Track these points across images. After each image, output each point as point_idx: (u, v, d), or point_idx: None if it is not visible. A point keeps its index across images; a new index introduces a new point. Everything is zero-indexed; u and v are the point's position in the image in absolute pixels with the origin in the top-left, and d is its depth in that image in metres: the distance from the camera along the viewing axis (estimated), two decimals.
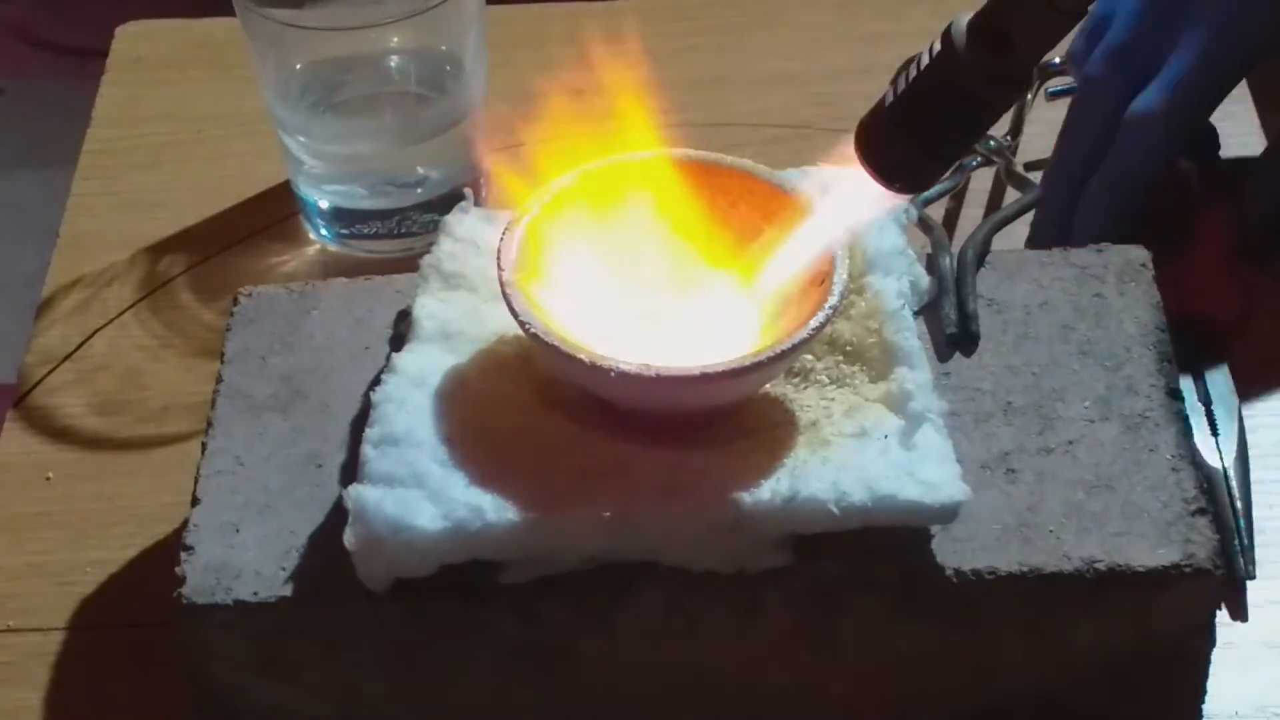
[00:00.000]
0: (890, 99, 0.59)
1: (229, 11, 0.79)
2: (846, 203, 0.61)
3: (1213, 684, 0.63)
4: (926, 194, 0.72)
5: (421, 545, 0.58)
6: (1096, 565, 0.60)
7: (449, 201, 0.71)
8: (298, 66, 0.80)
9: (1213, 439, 0.70)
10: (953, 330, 0.67)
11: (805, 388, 0.63)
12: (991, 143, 0.78)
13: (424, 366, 0.63)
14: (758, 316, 0.63)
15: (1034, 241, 0.76)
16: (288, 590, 0.61)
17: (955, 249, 0.70)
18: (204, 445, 0.65)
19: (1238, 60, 0.76)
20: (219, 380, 0.67)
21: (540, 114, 0.89)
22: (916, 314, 0.66)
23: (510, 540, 0.59)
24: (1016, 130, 0.82)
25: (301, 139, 0.80)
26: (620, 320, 0.63)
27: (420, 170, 0.82)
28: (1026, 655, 0.62)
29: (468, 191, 0.70)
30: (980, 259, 0.69)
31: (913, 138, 0.58)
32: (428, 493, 0.59)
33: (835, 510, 0.58)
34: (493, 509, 0.59)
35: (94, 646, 0.69)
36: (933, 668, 0.62)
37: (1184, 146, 0.76)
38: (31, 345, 0.80)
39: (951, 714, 0.63)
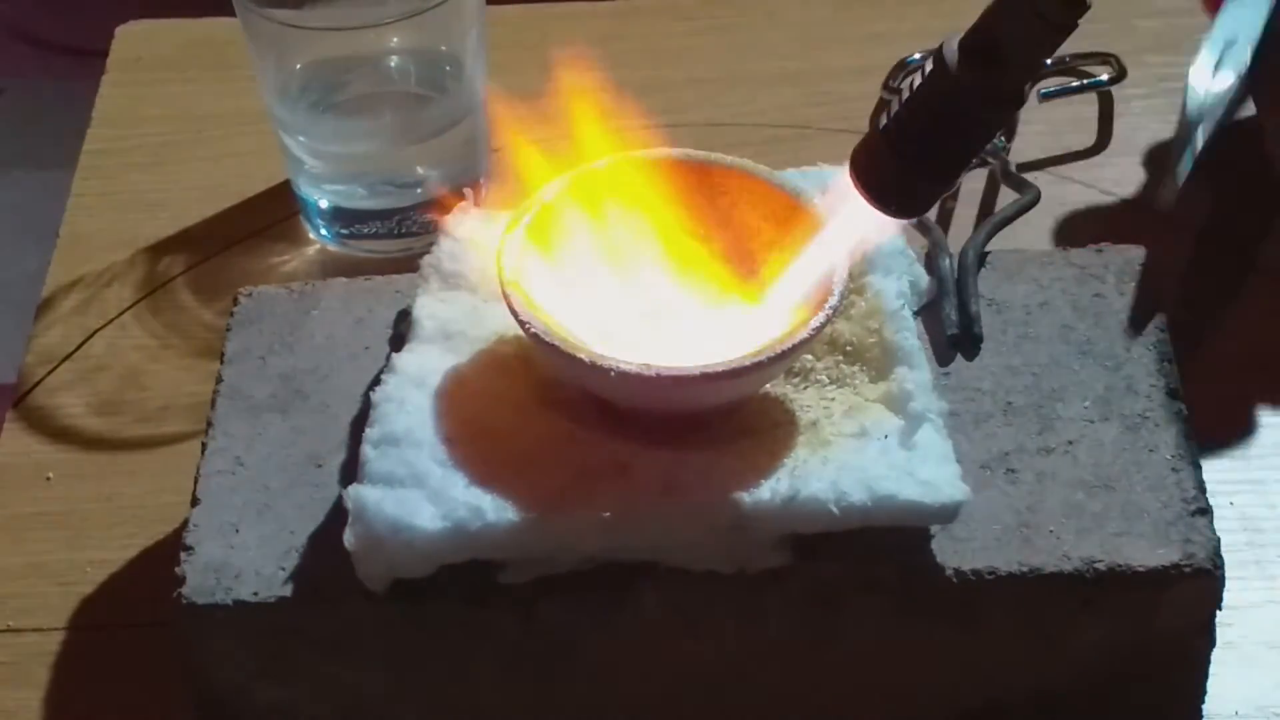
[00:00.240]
0: (884, 123, 0.58)
1: (229, 11, 0.79)
2: (846, 228, 0.61)
3: (1213, 684, 0.63)
4: None
5: (421, 545, 0.58)
6: (1096, 565, 0.60)
7: (449, 201, 0.71)
8: (298, 66, 0.80)
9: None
10: (954, 331, 0.67)
11: (805, 388, 0.63)
12: (987, 144, 0.79)
13: (424, 366, 0.63)
14: (758, 316, 0.63)
15: None
16: (288, 590, 0.61)
17: (954, 249, 0.70)
18: (204, 445, 0.65)
19: None
20: (219, 380, 0.67)
21: (540, 114, 0.89)
22: (916, 314, 0.66)
23: (510, 540, 0.59)
24: (1011, 132, 0.82)
25: (301, 139, 0.80)
26: (621, 320, 0.63)
27: (420, 170, 0.82)
28: (1026, 655, 0.62)
29: (468, 191, 0.70)
30: (980, 260, 0.69)
31: (909, 161, 0.58)
32: (427, 493, 0.59)
33: (835, 510, 0.58)
34: (493, 509, 0.59)
35: (94, 646, 0.69)
36: (933, 668, 0.62)
37: None
38: (31, 345, 0.80)
39: (951, 714, 0.63)
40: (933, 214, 0.71)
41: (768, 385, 0.62)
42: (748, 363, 0.59)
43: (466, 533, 0.58)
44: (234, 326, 0.69)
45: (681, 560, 0.60)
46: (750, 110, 0.88)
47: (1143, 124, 0.86)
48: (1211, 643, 0.62)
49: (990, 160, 0.80)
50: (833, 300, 0.60)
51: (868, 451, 0.60)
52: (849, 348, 0.63)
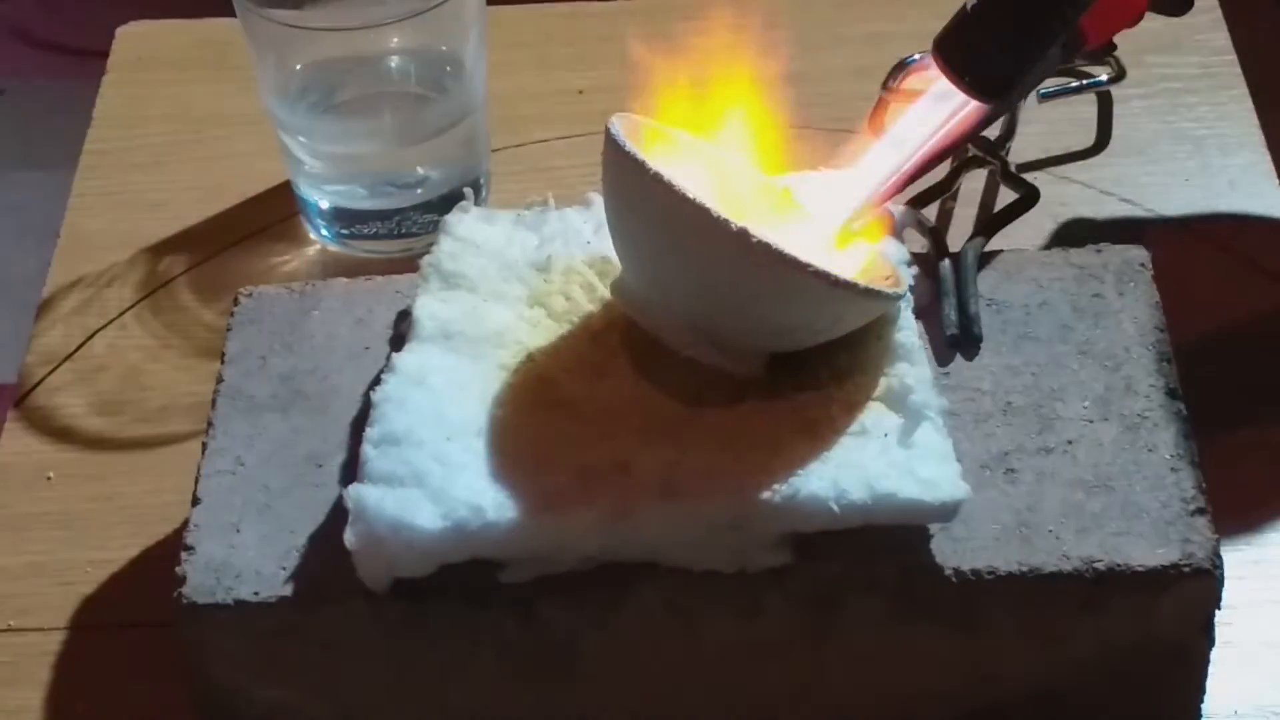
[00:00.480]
0: (971, 3, 0.62)
1: (229, 11, 0.79)
2: (930, 113, 0.64)
3: (1213, 684, 0.63)
4: (922, 192, 0.72)
5: (421, 545, 0.58)
6: (1096, 565, 0.60)
7: (449, 201, 0.71)
8: (298, 66, 0.80)
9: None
10: (953, 331, 0.67)
11: (805, 386, 0.63)
12: (986, 144, 0.78)
13: (424, 366, 0.63)
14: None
15: None
16: (288, 590, 0.61)
17: (954, 249, 0.70)
18: (204, 445, 0.65)
19: None
20: (219, 380, 0.67)
21: (540, 114, 0.89)
22: (916, 315, 0.66)
23: (510, 540, 0.59)
24: (1010, 132, 0.82)
25: (301, 139, 0.80)
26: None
27: (420, 170, 0.82)
28: (1026, 655, 0.62)
29: (468, 191, 0.70)
30: (980, 260, 0.69)
31: (995, 34, 0.61)
32: (428, 492, 0.59)
33: (835, 508, 0.58)
34: (492, 508, 0.59)
35: (94, 646, 0.69)
36: (933, 667, 0.62)
37: None
38: (31, 345, 0.80)
39: (951, 714, 0.63)
40: (932, 214, 0.72)
41: (768, 386, 0.62)
42: (876, 287, 0.61)
43: (466, 532, 0.58)
44: (234, 326, 0.69)
45: (681, 560, 0.60)
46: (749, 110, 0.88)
47: (1143, 124, 0.86)
48: (1211, 642, 0.62)
49: (990, 160, 0.80)
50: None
51: (868, 450, 0.60)
52: (850, 346, 0.63)
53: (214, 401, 0.67)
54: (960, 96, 0.64)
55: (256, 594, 0.61)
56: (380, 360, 0.67)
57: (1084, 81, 0.86)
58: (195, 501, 0.63)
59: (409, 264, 0.70)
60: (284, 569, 0.61)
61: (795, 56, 0.92)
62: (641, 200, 0.60)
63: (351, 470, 0.61)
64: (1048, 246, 0.71)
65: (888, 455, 0.60)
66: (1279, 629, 0.67)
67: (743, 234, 0.58)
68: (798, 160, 0.68)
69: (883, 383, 0.62)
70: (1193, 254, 0.80)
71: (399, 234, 0.82)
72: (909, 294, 0.65)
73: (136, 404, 0.78)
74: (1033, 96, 0.83)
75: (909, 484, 0.59)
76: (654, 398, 0.62)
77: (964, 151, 0.73)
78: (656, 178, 0.59)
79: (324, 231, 0.83)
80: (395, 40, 0.80)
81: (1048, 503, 0.61)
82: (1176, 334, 0.67)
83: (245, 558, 0.61)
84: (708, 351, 0.62)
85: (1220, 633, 0.62)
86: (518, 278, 0.66)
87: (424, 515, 0.58)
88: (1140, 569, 0.60)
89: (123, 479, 0.74)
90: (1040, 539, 0.60)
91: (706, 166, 0.65)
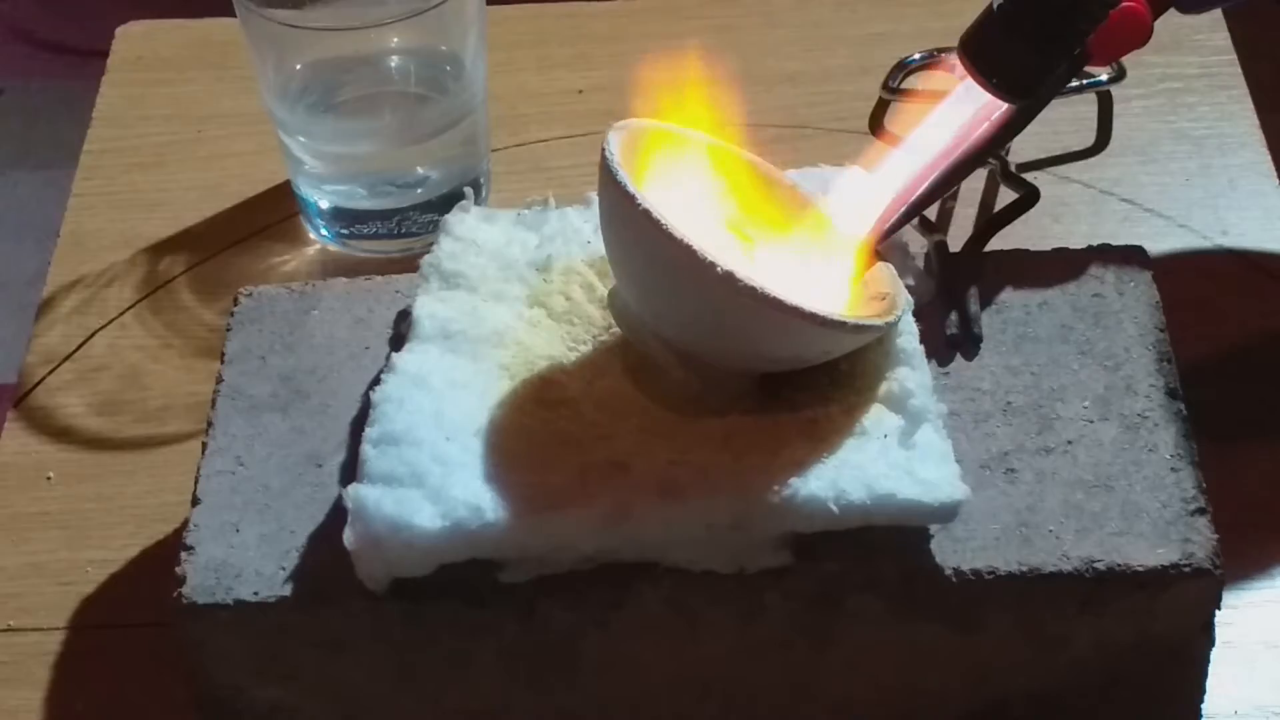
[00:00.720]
0: (998, 2, 0.62)
1: (229, 11, 0.79)
2: (956, 111, 0.63)
3: (1213, 684, 0.63)
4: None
5: (421, 545, 0.58)
6: (1096, 565, 0.60)
7: (449, 201, 0.71)
8: (298, 66, 0.80)
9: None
10: (953, 331, 0.67)
11: (805, 387, 0.63)
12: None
13: (424, 366, 0.63)
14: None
15: None
16: (288, 590, 0.61)
17: (954, 249, 0.70)
18: (204, 445, 0.65)
19: None
20: (219, 380, 0.67)
21: (540, 114, 0.89)
22: (916, 315, 0.66)
23: (509, 539, 0.59)
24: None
25: (301, 139, 0.80)
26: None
27: (420, 170, 0.82)
28: (1026, 655, 0.62)
29: (468, 191, 0.70)
30: (980, 260, 0.69)
31: (1020, 33, 0.61)
32: (427, 492, 0.59)
33: (834, 509, 0.58)
34: (492, 508, 0.59)
35: (94, 646, 0.69)
36: (933, 667, 0.62)
37: None
38: (31, 345, 0.81)
39: (951, 713, 0.63)
40: (932, 214, 0.72)
41: (768, 385, 0.62)
42: (862, 321, 0.60)
43: (466, 532, 0.58)
44: (234, 326, 0.69)
45: (681, 560, 0.60)
46: (750, 110, 0.88)
47: (1143, 124, 0.86)
48: (1211, 642, 0.62)
49: (990, 160, 0.80)
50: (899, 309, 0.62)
51: (867, 450, 0.60)
52: (849, 352, 0.63)
53: (214, 401, 0.67)
54: (986, 98, 0.63)
55: (256, 594, 0.61)
56: (380, 360, 0.67)
57: (1084, 81, 0.86)
58: (195, 501, 0.63)
59: (409, 264, 0.70)
60: (284, 569, 0.61)
61: (795, 56, 0.92)
62: (631, 231, 0.60)
63: (351, 470, 0.61)
64: (1048, 246, 0.71)
65: (887, 456, 0.60)
66: (1279, 629, 0.67)
67: (729, 277, 0.58)
68: (798, 160, 0.68)
69: (883, 387, 0.62)
70: (1193, 254, 0.80)
71: (399, 234, 0.82)
72: (909, 295, 0.65)
73: (136, 404, 0.78)
74: None
75: (908, 485, 0.59)
76: (653, 398, 0.62)
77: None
78: (645, 214, 0.59)
79: (324, 231, 0.83)
80: (395, 40, 0.80)
81: (1048, 503, 0.61)
82: (1176, 334, 0.67)
83: (245, 558, 0.61)
84: (696, 378, 0.62)
85: (1220, 633, 0.62)
86: (517, 277, 0.66)
87: (423, 515, 0.58)
88: (1140, 569, 0.60)
89: (123, 479, 0.75)
90: (1040, 539, 0.60)
91: (714, 168, 0.64)
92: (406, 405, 0.61)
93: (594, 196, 0.68)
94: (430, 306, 0.65)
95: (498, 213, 0.69)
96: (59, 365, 0.79)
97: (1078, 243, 0.71)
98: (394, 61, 0.82)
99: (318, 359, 0.68)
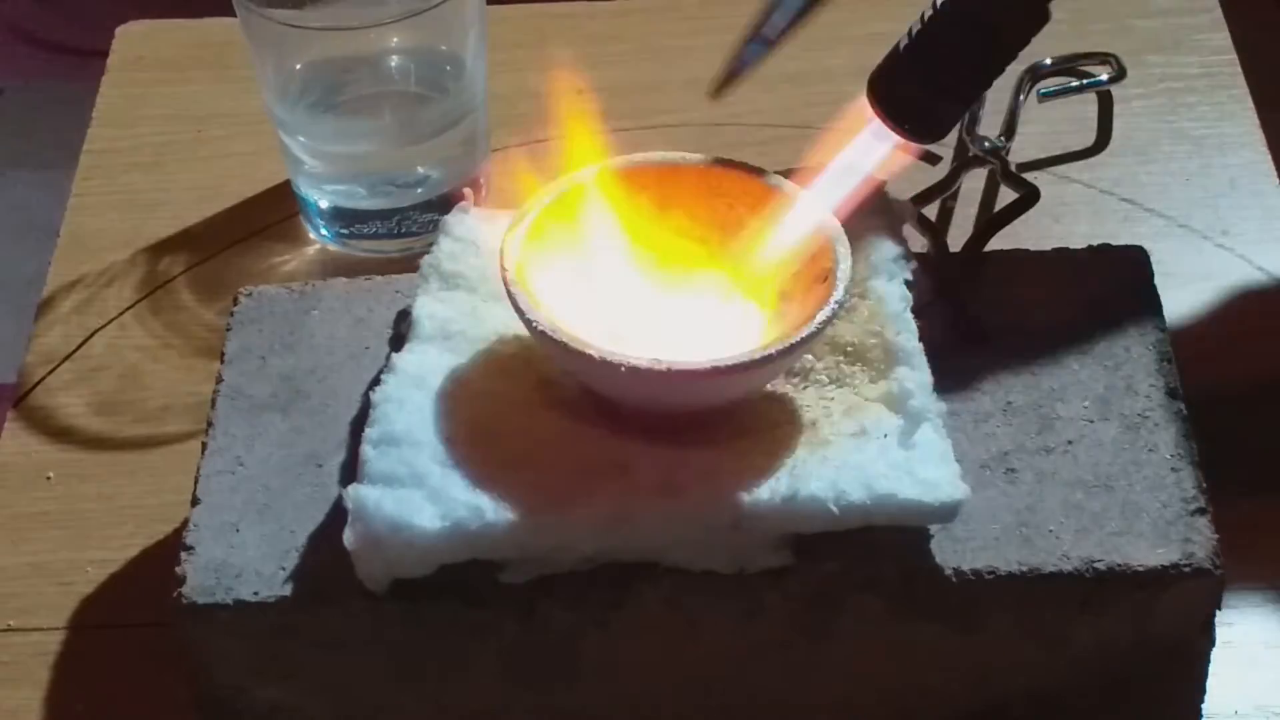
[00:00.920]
0: (904, 43, 0.59)
1: (229, 11, 0.79)
2: (862, 154, 0.62)
3: (1213, 684, 0.63)
4: (922, 191, 0.72)
5: (421, 545, 0.58)
6: (1096, 565, 0.60)
7: (449, 201, 0.71)
8: (298, 66, 0.80)
9: None
10: (953, 331, 0.67)
11: (805, 388, 0.63)
12: (986, 144, 0.79)
13: (424, 366, 0.63)
14: (760, 315, 0.63)
15: None
16: (288, 590, 0.61)
17: (954, 249, 0.70)
18: (204, 445, 0.65)
19: None
20: (219, 380, 0.67)
21: (540, 114, 0.89)
22: (916, 315, 0.66)
23: (510, 540, 0.59)
24: (1011, 132, 0.82)
25: (301, 139, 0.80)
26: (623, 319, 0.63)
27: (420, 170, 0.82)
28: (1026, 655, 0.62)
29: (468, 191, 0.70)
30: (980, 260, 0.69)
31: (929, 78, 0.59)
32: (427, 492, 0.59)
33: (835, 509, 0.58)
34: (492, 509, 0.59)
35: (94, 646, 0.69)
36: (933, 667, 0.62)
37: None
38: (31, 345, 0.80)
39: (951, 714, 0.63)
40: (932, 214, 0.72)
41: (769, 384, 0.62)
42: (758, 356, 0.59)
43: (466, 532, 0.58)
44: (234, 326, 0.69)
45: (681, 560, 0.60)
46: (750, 110, 0.88)
47: (1143, 124, 0.86)
48: (1211, 642, 0.62)
49: (990, 160, 0.80)
50: (837, 295, 0.60)
51: (867, 451, 0.60)
52: (850, 348, 0.63)
53: (214, 401, 0.67)
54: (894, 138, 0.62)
55: (256, 594, 0.61)
56: (380, 360, 0.67)
57: (1084, 81, 0.86)
58: (195, 501, 0.63)
59: (409, 264, 0.69)
60: (284, 569, 0.61)
61: (795, 56, 0.92)
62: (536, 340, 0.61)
63: (351, 470, 0.61)
64: (1048, 246, 0.71)
65: (887, 456, 0.60)
66: (1279, 629, 0.67)
67: (633, 371, 0.58)
68: (797, 160, 0.68)
69: (882, 385, 0.62)
70: (1193, 254, 0.80)
71: (399, 234, 0.82)
72: (909, 294, 0.65)
73: (136, 404, 0.78)
74: (1033, 96, 0.83)
75: (908, 485, 0.59)
76: None
77: (964, 151, 0.73)
78: (542, 334, 0.59)
79: (324, 231, 0.83)
80: (395, 40, 0.80)
81: (1048, 503, 0.61)
82: (1176, 334, 0.67)
83: (245, 558, 0.61)
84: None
85: (1220, 633, 0.62)
86: None
87: (423, 515, 0.58)
88: (1140, 569, 0.60)
89: (123, 479, 0.75)
90: (1040, 539, 0.60)
91: (631, 208, 0.64)
92: (406, 405, 0.61)
93: None
94: (430, 307, 0.65)
95: (498, 213, 0.69)
96: (59, 365, 0.79)
97: (1078, 243, 0.71)
98: (394, 61, 0.82)
99: (318, 359, 0.68)
